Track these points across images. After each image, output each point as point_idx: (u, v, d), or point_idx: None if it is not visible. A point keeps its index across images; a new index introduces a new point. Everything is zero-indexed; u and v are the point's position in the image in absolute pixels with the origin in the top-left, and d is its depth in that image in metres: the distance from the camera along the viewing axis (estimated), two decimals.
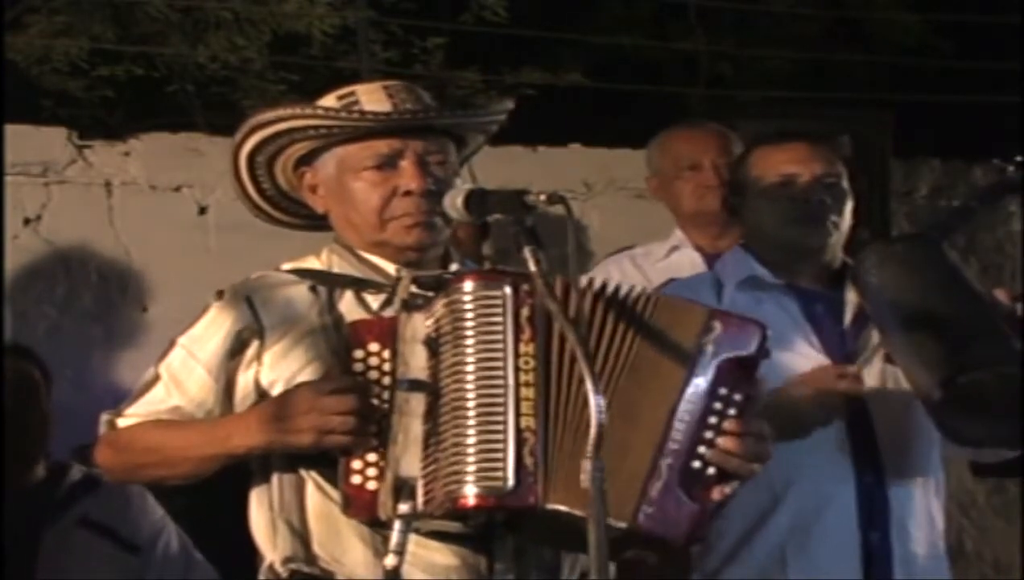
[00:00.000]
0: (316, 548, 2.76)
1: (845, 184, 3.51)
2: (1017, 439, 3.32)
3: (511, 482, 2.55)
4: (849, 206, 3.50)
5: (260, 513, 2.83)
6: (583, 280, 2.70)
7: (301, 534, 2.77)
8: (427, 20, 7.34)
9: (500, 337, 2.60)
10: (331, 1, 7.26)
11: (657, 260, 4.51)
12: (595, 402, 2.40)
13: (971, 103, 7.34)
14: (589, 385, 2.42)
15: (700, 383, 2.66)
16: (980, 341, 3.25)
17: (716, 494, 2.67)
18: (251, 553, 2.88)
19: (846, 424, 3.38)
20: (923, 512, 3.46)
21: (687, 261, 4.43)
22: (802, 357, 3.38)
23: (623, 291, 2.70)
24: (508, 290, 2.62)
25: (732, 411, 2.67)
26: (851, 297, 3.46)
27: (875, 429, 3.41)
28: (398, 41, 7.45)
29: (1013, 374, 3.20)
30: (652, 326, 2.67)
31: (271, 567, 2.81)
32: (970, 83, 7.41)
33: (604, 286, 2.69)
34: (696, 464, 2.65)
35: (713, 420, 2.66)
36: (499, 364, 2.59)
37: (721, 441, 2.66)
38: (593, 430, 2.39)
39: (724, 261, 3.64)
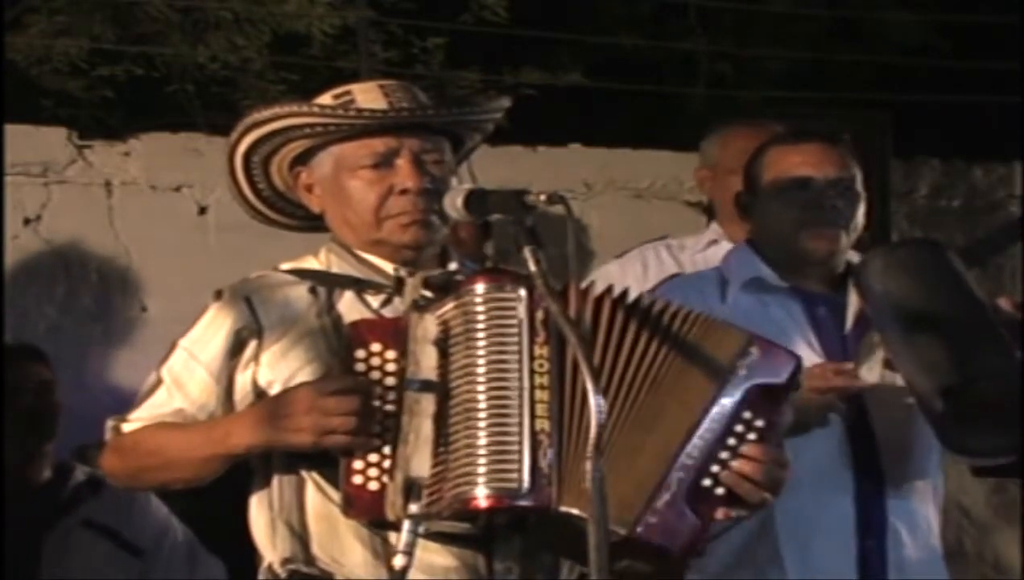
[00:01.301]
0: (315, 549, 2.75)
1: (859, 187, 3.48)
2: (1017, 449, 3.31)
3: (526, 484, 2.55)
4: (861, 210, 3.49)
5: (260, 513, 2.83)
6: (616, 290, 2.70)
7: (300, 535, 2.76)
8: (427, 20, 7.33)
9: (515, 339, 2.60)
10: (331, 1, 7.26)
11: (695, 252, 4.48)
12: (595, 403, 2.40)
13: (971, 103, 7.33)
14: (589, 386, 2.42)
15: (726, 404, 2.68)
16: (982, 350, 3.25)
17: (721, 514, 2.68)
18: (252, 554, 2.88)
19: (846, 430, 3.38)
20: (921, 518, 3.46)
21: (724, 254, 4.40)
22: (804, 360, 3.38)
23: (662, 305, 2.70)
24: (523, 293, 2.62)
25: (752, 436, 2.68)
26: (854, 300, 3.46)
27: (875, 435, 3.41)
28: (398, 41, 7.45)
29: (1014, 384, 3.20)
30: (689, 341, 2.68)
31: (270, 568, 2.81)
32: (970, 83, 7.40)
33: (640, 298, 2.69)
34: (707, 482, 2.66)
35: (732, 442, 2.67)
36: (513, 366, 2.59)
37: (736, 464, 2.67)
38: (593, 431, 2.40)
39: (730, 260, 3.62)
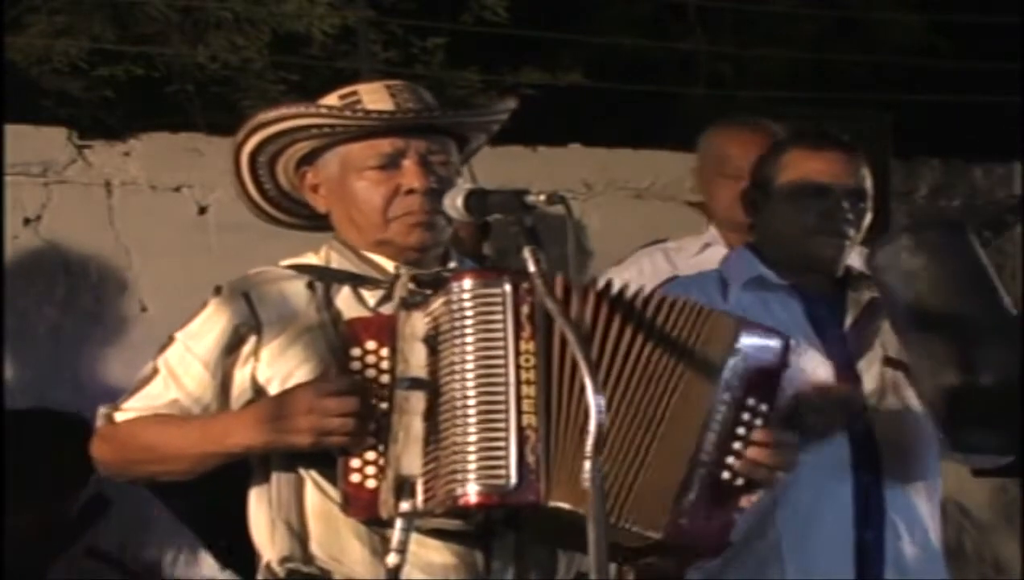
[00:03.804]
0: (314, 548, 2.75)
1: (870, 199, 3.49)
2: (1019, 448, 3.32)
3: (513, 480, 2.55)
4: (868, 219, 3.49)
5: (259, 512, 2.83)
6: (601, 282, 2.70)
7: (299, 533, 2.77)
8: (427, 20, 7.34)
9: (500, 335, 2.61)
10: (331, 1, 7.26)
11: (690, 256, 4.45)
12: (595, 402, 2.40)
13: (971, 103, 7.33)
14: (588, 385, 2.41)
15: (729, 394, 2.68)
16: (995, 347, 3.24)
17: (744, 502, 2.70)
18: (251, 553, 2.88)
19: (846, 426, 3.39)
20: (919, 513, 3.46)
21: (719, 258, 4.39)
22: (805, 359, 3.38)
23: (645, 295, 2.69)
24: (508, 288, 2.62)
25: (759, 422, 2.69)
26: (853, 298, 3.47)
27: (873, 430, 3.42)
28: (398, 41, 7.45)
29: (1017, 385, 3.20)
30: (681, 332, 2.67)
31: (268, 566, 2.81)
32: (970, 83, 7.41)
33: (624, 290, 2.69)
34: (725, 475, 2.68)
35: (741, 431, 2.69)
36: (500, 362, 2.60)
37: (750, 452, 2.68)
38: (593, 430, 2.40)
39: (730, 260, 3.63)
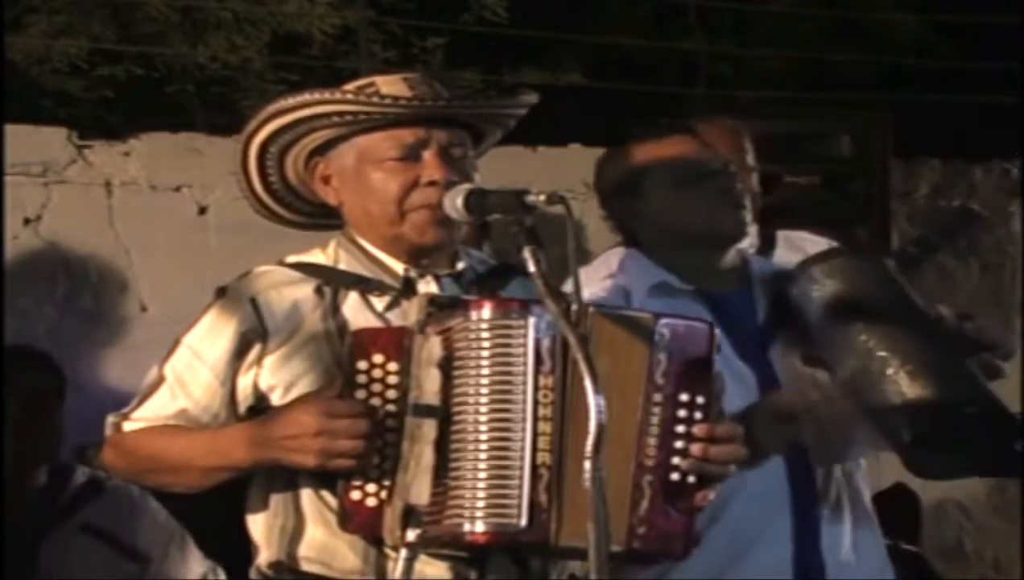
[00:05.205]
0: (307, 552, 2.72)
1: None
2: (980, 468, 3.31)
3: (524, 520, 2.51)
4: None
5: (256, 513, 2.80)
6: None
7: (292, 538, 2.73)
8: (427, 20, 7.35)
9: (521, 368, 2.55)
10: (331, 1, 7.28)
11: None
12: (595, 402, 2.38)
13: (971, 103, 7.34)
14: (589, 385, 2.40)
15: (660, 394, 2.62)
16: (947, 375, 3.24)
17: (700, 500, 2.65)
18: (249, 553, 2.87)
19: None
20: (848, 489, 3.42)
21: None
22: (719, 361, 3.36)
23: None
24: (532, 320, 2.56)
25: (698, 415, 2.64)
26: (759, 296, 3.42)
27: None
28: (398, 41, 7.47)
29: (974, 412, 3.19)
30: (602, 341, 2.60)
31: (258, 568, 2.79)
32: (970, 83, 7.42)
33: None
34: (675, 476, 2.62)
35: (681, 429, 2.63)
36: (518, 396, 2.54)
37: (694, 449, 2.63)
38: (593, 430, 2.37)
39: (627, 268, 3.54)
